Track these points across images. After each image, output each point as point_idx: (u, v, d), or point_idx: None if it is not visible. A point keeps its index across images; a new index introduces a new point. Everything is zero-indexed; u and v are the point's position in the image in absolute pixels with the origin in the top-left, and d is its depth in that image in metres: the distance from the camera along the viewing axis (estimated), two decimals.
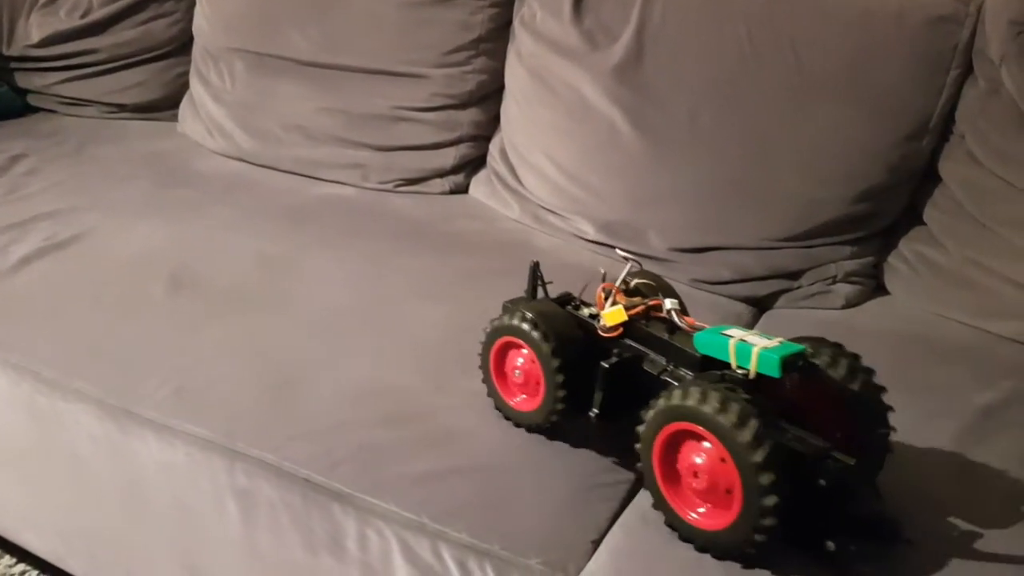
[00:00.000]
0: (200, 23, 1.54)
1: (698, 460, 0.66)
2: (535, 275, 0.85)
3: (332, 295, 1.07)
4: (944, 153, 1.12)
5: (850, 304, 1.12)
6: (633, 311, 0.77)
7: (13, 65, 1.64)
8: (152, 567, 0.91)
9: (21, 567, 1.15)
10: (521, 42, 1.33)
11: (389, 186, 1.38)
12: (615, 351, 0.77)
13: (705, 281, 1.15)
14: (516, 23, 1.35)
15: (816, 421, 0.69)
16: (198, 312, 1.02)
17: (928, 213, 1.14)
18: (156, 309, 1.02)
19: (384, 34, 1.38)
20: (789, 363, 0.66)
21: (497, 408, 0.85)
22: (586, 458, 0.82)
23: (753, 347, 0.67)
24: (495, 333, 0.82)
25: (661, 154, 1.20)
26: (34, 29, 1.62)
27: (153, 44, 1.60)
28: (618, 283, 0.80)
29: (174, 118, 1.59)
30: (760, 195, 1.15)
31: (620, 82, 1.21)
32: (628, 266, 0.81)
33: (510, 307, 0.83)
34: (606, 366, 0.75)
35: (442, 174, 1.38)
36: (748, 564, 0.68)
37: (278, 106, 1.44)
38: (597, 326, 0.78)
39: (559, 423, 0.80)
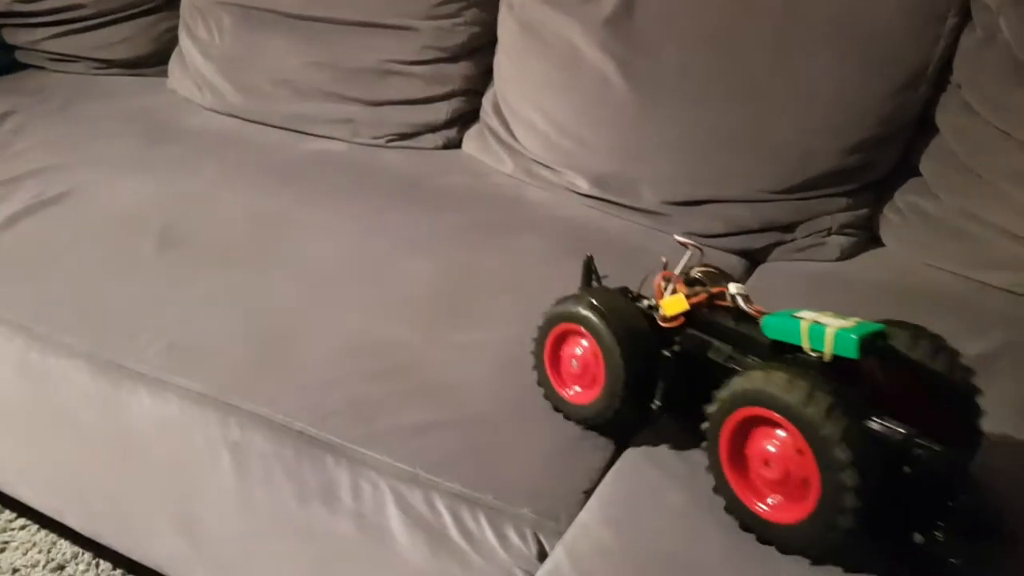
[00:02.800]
0: None
1: (770, 448, 0.62)
2: (590, 269, 0.82)
3: (322, 250, 1.06)
4: (940, 103, 1.10)
5: (844, 256, 1.12)
6: (695, 299, 0.73)
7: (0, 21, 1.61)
8: (146, 519, 0.92)
9: (21, 521, 1.16)
10: None
11: (381, 141, 1.36)
12: (677, 340, 0.73)
13: (698, 234, 1.14)
14: None
15: (899, 408, 0.62)
16: (188, 268, 1.02)
17: (923, 164, 1.13)
18: (146, 265, 1.02)
19: None
20: (868, 344, 0.61)
21: (546, 398, 0.81)
22: None
23: (827, 328, 0.62)
24: (553, 319, 0.77)
25: (653, 106, 1.18)
26: None
27: None
28: (678, 271, 0.75)
29: (163, 74, 1.57)
30: (753, 146, 1.14)
31: (611, 33, 1.19)
32: (688, 253, 0.76)
33: (569, 297, 0.79)
34: (668, 355, 0.71)
35: (434, 129, 1.37)
36: (835, 563, 0.63)
37: (266, 60, 1.42)
38: (657, 316, 0.74)
39: (617, 420, 0.76)
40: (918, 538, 0.61)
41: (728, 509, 0.66)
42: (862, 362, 0.62)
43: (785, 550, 0.63)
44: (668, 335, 0.74)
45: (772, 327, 0.67)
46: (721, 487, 0.66)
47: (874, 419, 0.61)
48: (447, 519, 0.73)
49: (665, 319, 0.73)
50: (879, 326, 0.64)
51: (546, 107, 1.26)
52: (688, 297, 0.73)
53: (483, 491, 0.74)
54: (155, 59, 1.59)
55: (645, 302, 0.77)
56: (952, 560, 0.60)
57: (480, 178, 1.28)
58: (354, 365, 0.88)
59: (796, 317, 0.65)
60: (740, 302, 0.73)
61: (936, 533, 0.60)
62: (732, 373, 0.67)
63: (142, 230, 1.08)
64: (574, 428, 0.80)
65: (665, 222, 1.16)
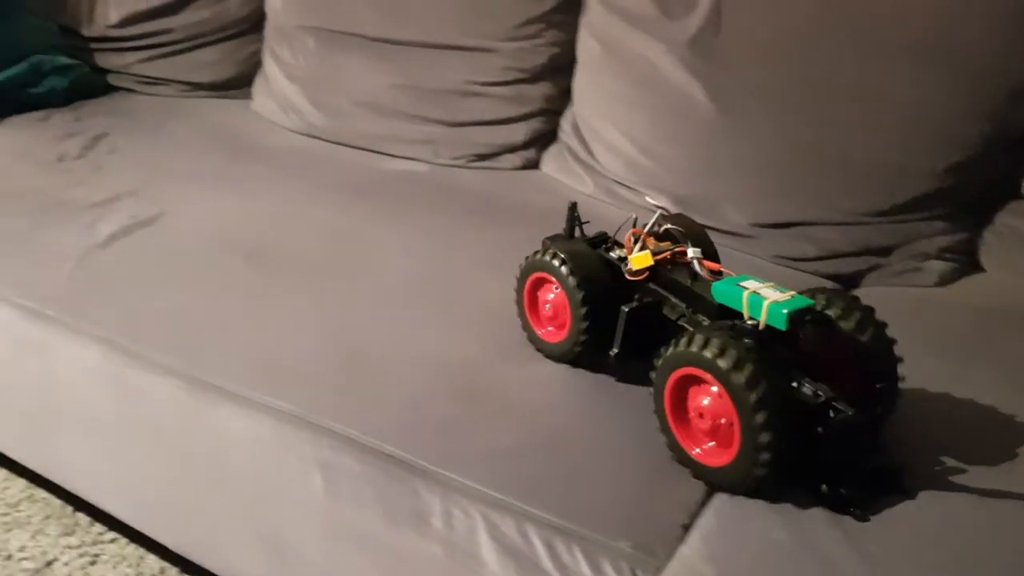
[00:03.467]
0: (272, 1, 1.55)
1: (704, 402, 0.71)
2: (573, 215, 0.89)
3: (402, 268, 1.07)
4: None
5: (943, 281, 1.08)
6: (659, 257, 0.80)
7: (93, 45, 1.67)
8: (234, 537, 0.93)
9: (111, 535, 1.19)
10: (592, 13, 1.31)
11: (461, 162, 1.37)
12: (638, 295, 0.81)
13: (789, 258, 1.11)
14: None
15: (830, 373, 0.71)
16: (276, 285, 1.03)
17: None
18: (236, 283, 1.04)
19: (453, 8, 1.37)
20: (796, 318, 0.69)
21: (529, 339, 0.91)
22: None
23: (764, 300, 0.70)
24: (529, 268, 0.88)
25: (738, 123, 1.16)
26: (112, 10, 1.65)
27: (227, 23, 1.62)
28: (646, 229, 0.83)
29: (247, 95, 1.61)
30: (843, 166, 1.11)
31: (695, 51, 1.18)
32: (657, 214, 0.84)
33: (547, 244, 0.87)
34: (626, 310, 0.79)
35: (513, 149, 1.37)
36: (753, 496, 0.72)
37: (348, 82, 1.44)
38: (624, 269, 0.82)
39: (583, 357, 0.86)
40: (824, 488, 0.70)
41: (670, 447, 0.76)
42: (799, 333, 0.71)
43: (712, 487, 0.74)
44: (632, 287, 0.82)
45: (719, 292, 0.75)
46: (665, 431, 0.76)
47: (797, 383, 0.69)
48: (540, 549, 0.72)
49: (631, 272, 0.81)
50: (810, 301, 0.71)
51: (626, 126, 1.25)
52: (654, 254, 0.80)
53: (577, 521, 0.72)
54: (239, 81, 1.63)
55: (617, 253, 0.85)
56: (852, 510, 0.69)
57: (558, 197, 1.26)
58: (436, 385, 0.88)
59: (740, 286, 0.73)
60: (696, 265, 0.79)
61: (841, 486, 0.70)
62: (682, 330, 0.75)
63: (231, 248, 1.10)
64: (663, 452, 0.78)
65: (753, 245, 1.14)
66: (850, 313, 0.73)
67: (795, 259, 1.11)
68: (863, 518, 0.69)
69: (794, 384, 0.69)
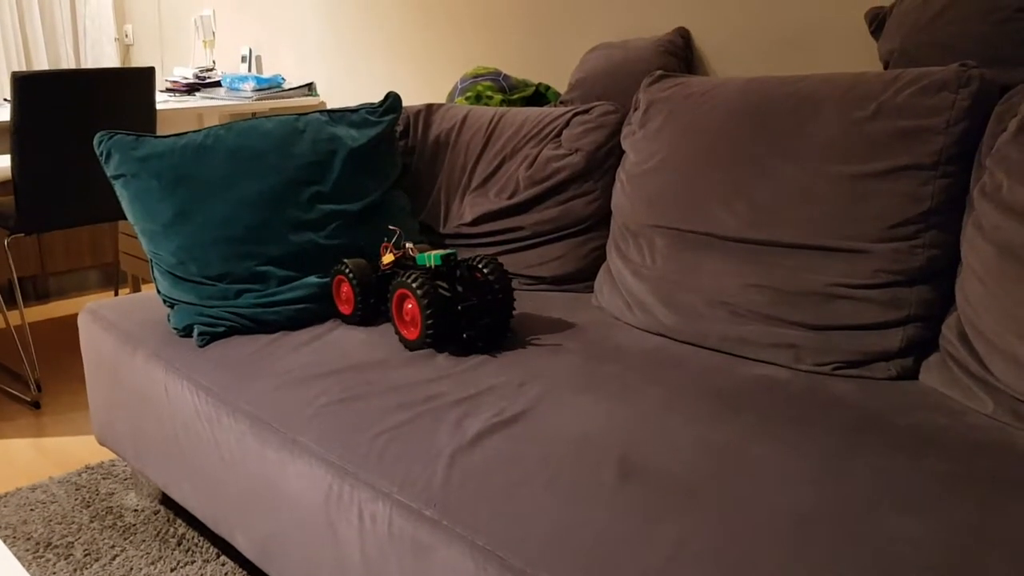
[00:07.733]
0: (620, 201, 1.60)
1: (409, 307, 1.42)
2: (396, 236, 1.73)
3: (791, 494, 0.97)
4: None
5: None
6: (398, 254, 1.53)
7: (447, 241, 1.81)
8: None
9: None
10: (982, 214, 1.19)
11: (826, 369, 1.27)
12: (387, 273, 1.53)
13: None
14: (975, 193, 1.22)
15: (472, 289, 1.42)
16: (653, 505, 0.97)
17: None
18: (610, 498, 0.99)
19: (819, 207, 1.32)
20: (444, 258, 1.43)
21: (336, 314, 1.61)
22: None
23: (432, 254, 1.43)
24: (333, 274, 1.58)
25: None
26: (467, 209, 1.79)
27: (572, 221, 1.69)
28: (393, 243, 1.65)
29: (586, 289, 1.64)
30: None
31: None
32: (398, 233, 1.70)
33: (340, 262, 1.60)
34: (375, 276, 1.54)
35: (887, 357, 1.25)
36: (433, 353, 1.40)
37: (702, 282, 1.42)
38: (380, 264, 1.55)
39: (360, 316, 1.55)
40: (464, 336, 1.40)
41: (399, 339, 1.45)
42: (458, 269, 1.45)
43: (410, 348, 1.43)
44: (384, 272, 1.54)
45: (420, 259, 1.46)
46: (396, 330, 1.45)
47: (452, 292, 1.40)
48: None
49: (383, 266, 1.54)
50: (453, 252, 1.45)
51: None
52: (394, 254, 1.53)
53: None
54: (580, 276, 1.68)
55: (379, 261, 1.58)
56: (479, 343, 1.41)
57: (953, 418, 1.13)
58: None
59: (427, 254, 1.45)
60: (411, 252, 1.52)
61: (473, 333, 1.41)
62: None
63: (599, 457, 1.07)
64: None
65: None
66: (489, 265, 1.44)
67: None
68: (485, 349, 1.41)
69: (447, 293, 1.39)
